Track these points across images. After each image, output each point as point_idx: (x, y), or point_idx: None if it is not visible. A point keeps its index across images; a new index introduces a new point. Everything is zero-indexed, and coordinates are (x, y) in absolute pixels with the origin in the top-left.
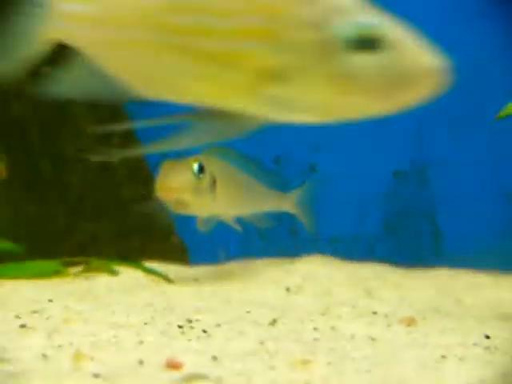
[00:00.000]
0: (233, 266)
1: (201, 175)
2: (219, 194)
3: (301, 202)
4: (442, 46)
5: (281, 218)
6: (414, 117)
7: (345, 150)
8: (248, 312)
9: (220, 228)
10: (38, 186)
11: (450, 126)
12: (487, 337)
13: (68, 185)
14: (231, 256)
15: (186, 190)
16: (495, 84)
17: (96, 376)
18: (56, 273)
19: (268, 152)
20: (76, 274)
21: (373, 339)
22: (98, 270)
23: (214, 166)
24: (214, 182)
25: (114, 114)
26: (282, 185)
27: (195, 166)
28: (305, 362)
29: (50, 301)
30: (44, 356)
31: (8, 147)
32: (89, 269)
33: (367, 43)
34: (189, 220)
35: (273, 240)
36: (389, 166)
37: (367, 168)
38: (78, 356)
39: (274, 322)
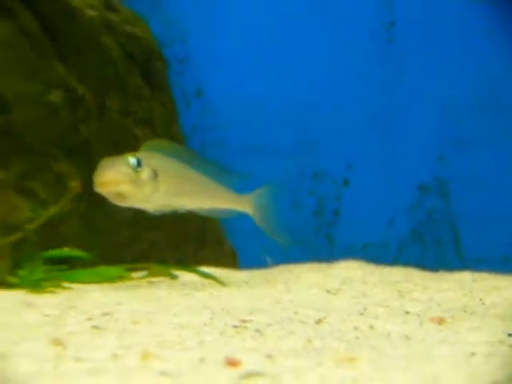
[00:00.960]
0: (277, 270)
1: (138, 168)
2: (161, 186)
3: (258, 204)
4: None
5: (318, 226)
6: (437, 136)
7: (375, 166)
8: (295, 313)
9: (265, 236)
10: (103, 201)
11: (470, 144)
12: (510, 335)
13: None
14: (274, 261)
15: (122, 182)
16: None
17: (162, 373)
18: (121, 278)
19: (306, 169)
20: (139, 279)
21: (408, 337)
22: (159, 274)
23: (155, 160)
24: (154, 175)
25: (172, 135)
26: (239, 185)
27: (132, 160)
28: (350, 360)
29: (118, 304)
30: (114, 355)
31: (77, 166)
32: (150, 274)
33: None
34: (238, 228)
35: (311, 246)
36: (414, 180)
37: (395, 182)
38: (145, 355)
39: (319, 321)
